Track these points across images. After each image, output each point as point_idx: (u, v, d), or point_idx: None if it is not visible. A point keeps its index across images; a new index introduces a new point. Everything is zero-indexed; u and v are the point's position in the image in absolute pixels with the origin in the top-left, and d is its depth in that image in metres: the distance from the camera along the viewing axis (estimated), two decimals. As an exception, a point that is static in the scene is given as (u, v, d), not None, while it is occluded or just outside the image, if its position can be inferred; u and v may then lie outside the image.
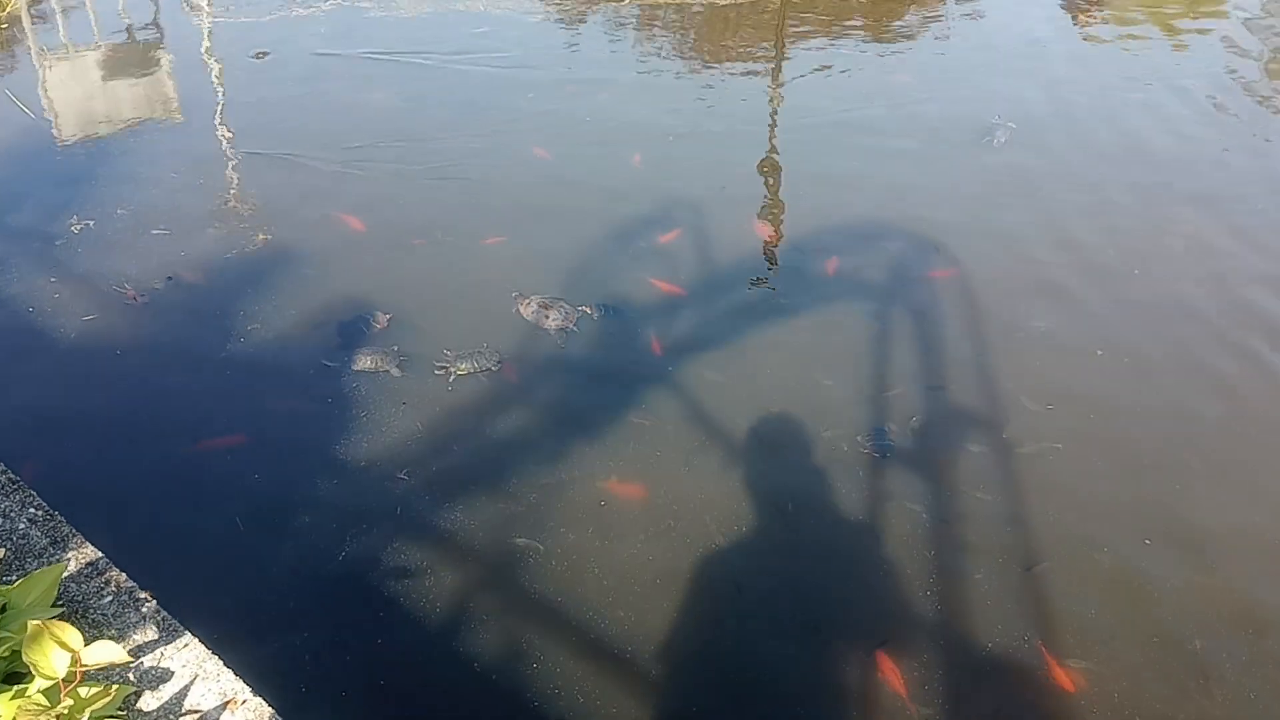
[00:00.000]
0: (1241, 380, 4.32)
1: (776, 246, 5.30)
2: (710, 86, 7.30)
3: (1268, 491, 3.78)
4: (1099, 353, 4.48)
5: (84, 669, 2.21)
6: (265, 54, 7.33)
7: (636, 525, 3.59)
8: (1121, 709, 2.99)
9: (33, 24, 8.03)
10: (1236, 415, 4.14)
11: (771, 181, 5.97)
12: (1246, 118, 6.76)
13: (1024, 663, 3.14)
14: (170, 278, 4.71)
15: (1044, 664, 3.13)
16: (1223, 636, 3.20)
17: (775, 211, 5.66)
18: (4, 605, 2.49)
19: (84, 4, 8.46)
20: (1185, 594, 3.35)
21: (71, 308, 4.51)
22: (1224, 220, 5.50)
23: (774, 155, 6.27)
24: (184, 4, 8.49)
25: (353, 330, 4.46)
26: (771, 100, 7.05)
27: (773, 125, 6.66)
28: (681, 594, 3.34)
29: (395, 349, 4.29)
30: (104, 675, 2.50)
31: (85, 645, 2.22)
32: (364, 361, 4.19)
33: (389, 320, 4.50)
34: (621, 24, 8.33)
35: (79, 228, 5.09)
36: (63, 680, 2.19)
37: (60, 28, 7.99)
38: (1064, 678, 3.08)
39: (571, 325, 4.55)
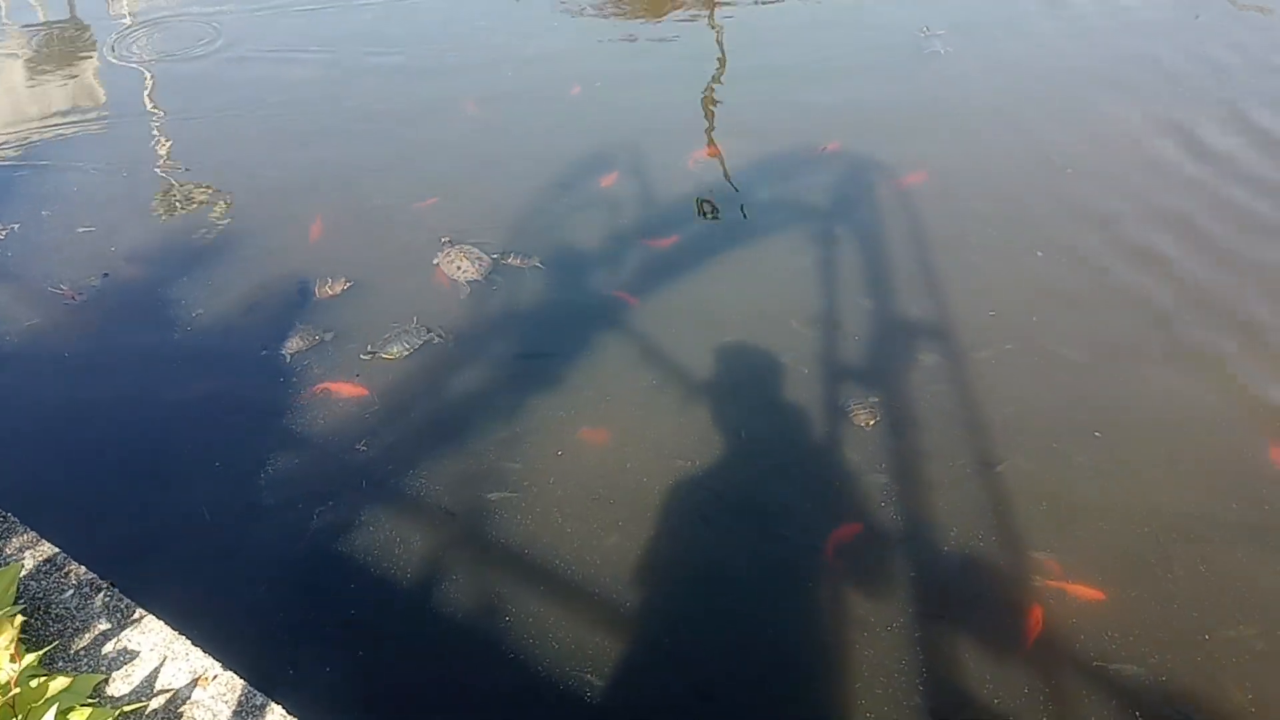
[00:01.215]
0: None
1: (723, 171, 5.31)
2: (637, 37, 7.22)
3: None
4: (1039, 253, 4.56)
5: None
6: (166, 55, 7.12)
7: (603, 465, 3.63)
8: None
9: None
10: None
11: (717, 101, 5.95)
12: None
13: (990, 554, 3.24)
14: (106, 274, 4.66)
15: (1014, 554, 3.24)
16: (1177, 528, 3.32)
17: (719, 136, 5.64)
18: (-39, 609, 2.50)
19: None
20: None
21: (11, 313, 4.45)
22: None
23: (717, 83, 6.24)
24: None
25: (294, 305, 4.44)
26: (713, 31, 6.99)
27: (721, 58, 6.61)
28: (651, 528, 3.40)
29: (328, 331, 4.27)
30: (72, 665, 2.53)
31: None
32: (297, 343, 4.16)
33: (345, 287, 4.51)
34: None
35: (3, 233, 5.00)
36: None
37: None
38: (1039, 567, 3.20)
39: (493, 275, 4.54)
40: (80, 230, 5.00)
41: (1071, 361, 4.00)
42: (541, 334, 4.31)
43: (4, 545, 2.84)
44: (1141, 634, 3.01)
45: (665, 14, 7.40)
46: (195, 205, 5.20)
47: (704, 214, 5.00)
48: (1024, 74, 6.25)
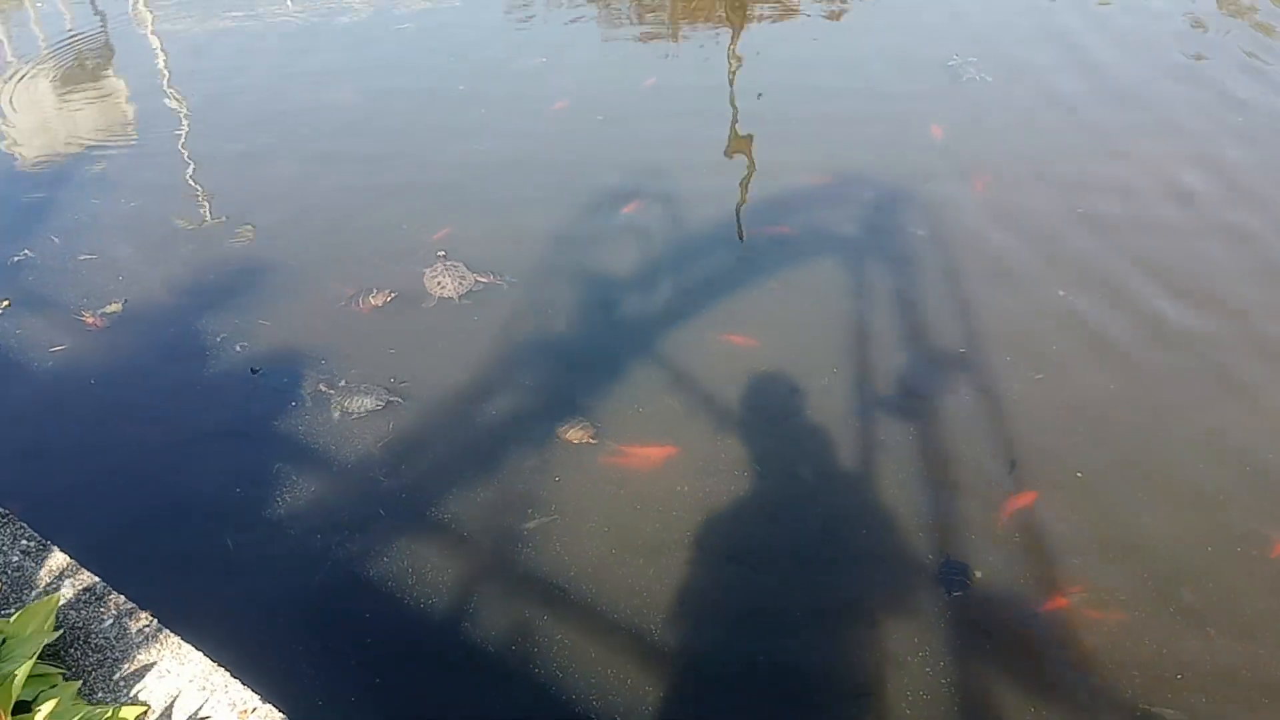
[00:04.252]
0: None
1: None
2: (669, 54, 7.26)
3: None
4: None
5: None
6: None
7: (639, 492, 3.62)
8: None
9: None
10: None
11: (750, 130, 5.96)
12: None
13: (1021, 585, 3.20)
14: (126, 301, 4.68)
15: (1044, 584, 3.19)
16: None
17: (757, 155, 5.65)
18: (4, 639, 2.50)
19: (28, 21, 8.34)
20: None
21: (37, 339, 4.47)
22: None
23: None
24: (131, 14, 8.37)
25: (313, 334, 4.45)
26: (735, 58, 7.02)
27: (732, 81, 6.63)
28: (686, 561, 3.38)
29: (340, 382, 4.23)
30: (112, 695, 2.53)
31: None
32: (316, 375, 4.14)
33: (388, 298, 4.53)
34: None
35: (19, 258, 5.04)
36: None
37: (7, 48, 7.88)
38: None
39: (472, 294, 4.56)
40: (92, 257, 5.03)
41: (1104, 392, 3.96)
42: (575, 352, 4.31)
43: (44, 574, 2.84)
44: (1177, 670, 2.96)
45: (684, 35, 7.44)
46: (217, 231, 5.23)
47: (739, 236, 5.01)
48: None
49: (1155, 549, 3.33)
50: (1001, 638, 3.08)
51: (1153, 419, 3.84)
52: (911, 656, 3.04)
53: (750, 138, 5.94)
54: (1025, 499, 3.52)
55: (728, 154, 5.79)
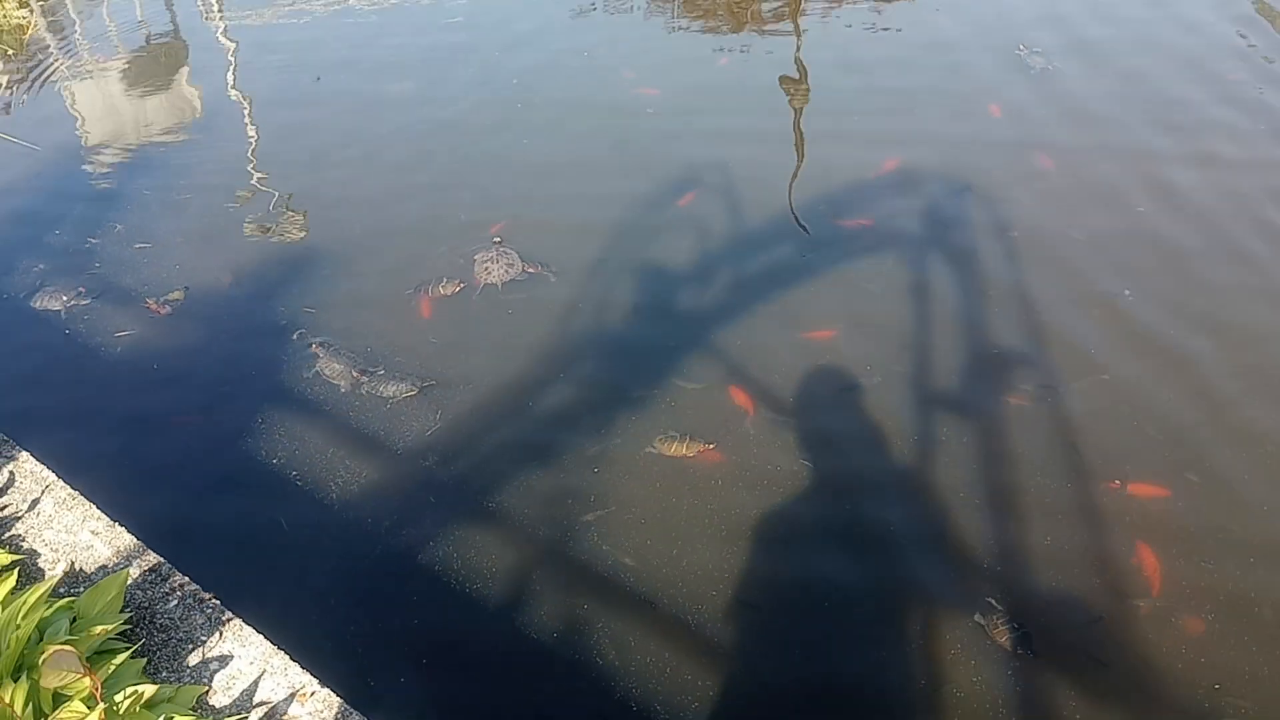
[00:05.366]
0: None
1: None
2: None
3: None
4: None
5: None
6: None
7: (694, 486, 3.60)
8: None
9: (54, 40, 8.13)
10: None
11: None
12: None
13: (1090, 585, 3.12)
14: (188, 287, 4.79)
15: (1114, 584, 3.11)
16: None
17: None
18: (74, 617, 2.56)
19: (100, 14, 8.54)
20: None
21: (104, 325, 4.58)
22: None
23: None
24: (199, 5, 8.54)
25: (372, 322, 4.50)
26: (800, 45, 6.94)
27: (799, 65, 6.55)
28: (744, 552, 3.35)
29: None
30: (175, 676, 2.58)
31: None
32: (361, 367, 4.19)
33: (457, 289, 4.57)
34: None
35: (86, 246, 5.15)
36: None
37: (80, 42, 8.08)
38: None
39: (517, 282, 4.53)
40: (152, 245, 5.13)
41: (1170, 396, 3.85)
42: (633, 345, 4.30)
43: (111, 554, 2.91)
44: (1252, 681, 2.85)
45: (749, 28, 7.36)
46: (277, 221, 5.31)
47: (800, 228, 4.95)
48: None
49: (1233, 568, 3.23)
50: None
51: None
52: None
53: (800, 117, 5.87)
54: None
55: (796, 145, 5.72)
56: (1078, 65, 6.34)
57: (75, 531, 2.97)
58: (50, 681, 2.18)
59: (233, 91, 6.97)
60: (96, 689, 2.20)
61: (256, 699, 2.53)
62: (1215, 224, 4.78)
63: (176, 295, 4.74)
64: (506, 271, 4.60)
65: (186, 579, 2.83)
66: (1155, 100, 5.89)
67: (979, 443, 3.71)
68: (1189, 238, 4.70)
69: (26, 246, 5.21)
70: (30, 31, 8.26)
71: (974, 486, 3.53)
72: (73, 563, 2.86)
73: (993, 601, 3.11)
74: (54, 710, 2.23)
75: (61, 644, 2.26)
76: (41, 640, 2.44)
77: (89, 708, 2.21)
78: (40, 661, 2.20)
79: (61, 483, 3.16)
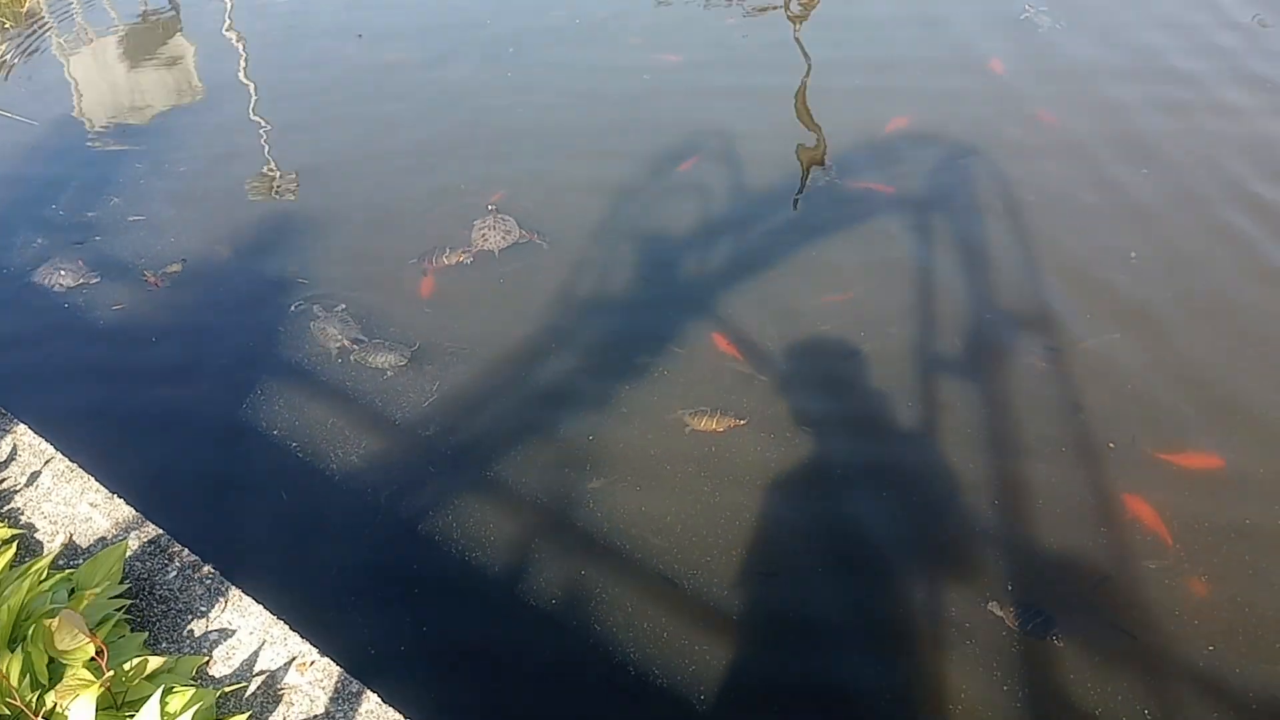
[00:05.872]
0: None
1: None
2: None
3: None
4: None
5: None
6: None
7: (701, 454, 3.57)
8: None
9: (52, 14, 8.04)
10: None
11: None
12: None
13: (1096, 551, 3.09)
14: (184, 260, 4.76)
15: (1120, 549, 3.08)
16: None
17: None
18: (73, 588, 2.56)
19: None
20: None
21: (101, 297, 4.55)
22: None
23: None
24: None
25: (372, 294, 4.46)
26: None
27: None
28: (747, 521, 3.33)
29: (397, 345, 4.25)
30: (175, 646, 2.58)
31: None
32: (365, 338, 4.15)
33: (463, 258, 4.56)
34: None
35: (84, 219, 5.11)
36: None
37: (77, 14, 8.00)
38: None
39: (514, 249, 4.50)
40: (148, 218, 5.10)
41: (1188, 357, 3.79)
42: (636, 313, 4.26)
43: (110, 526, 2.90)
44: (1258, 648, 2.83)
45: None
46: (276, 192, 5.27)
47: (802, 188, 4.88)
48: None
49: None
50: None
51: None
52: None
53: (804, 94, 5.78)
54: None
55: (800, 116, 5.64)
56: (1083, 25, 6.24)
57: (74, 504, 2.97)
58: (64, 644, 2.17)
59: (229, 64, 6.89)
60: (103, 655, 2.19)
61: (256, 668, 2.53)
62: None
63: (174, 268, 4.71)
64: (504, 239, 4.57)
65: (186, 550, 2.82)
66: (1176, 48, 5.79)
67: (1001, 401, 3.67)
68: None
69: (24, 221, 5.18)
70: (28, 3, 8.18)
71: (985, 442, 3.50)
72: (71, 535, 2.86)
73: (1008, 587, 3.08)
74: (50, 681, 2.23)
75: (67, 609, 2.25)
76: (38, 614, 2.44)
77: (95, 676, 2.20)
78: (53, 625, 2.19)
79: (60, 455, 3.15)
